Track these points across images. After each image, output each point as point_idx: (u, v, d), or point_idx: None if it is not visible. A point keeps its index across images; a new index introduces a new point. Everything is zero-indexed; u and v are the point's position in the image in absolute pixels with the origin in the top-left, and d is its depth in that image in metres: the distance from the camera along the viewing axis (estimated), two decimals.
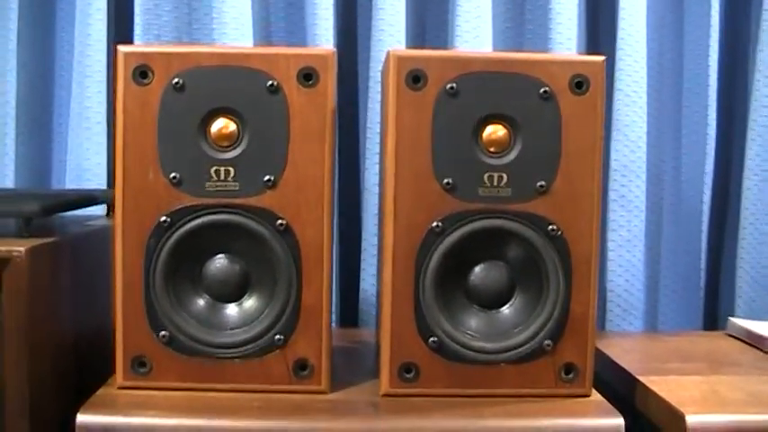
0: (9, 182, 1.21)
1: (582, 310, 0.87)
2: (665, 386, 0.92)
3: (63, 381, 0.89)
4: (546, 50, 1.24)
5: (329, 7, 1.23)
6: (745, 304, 1.28)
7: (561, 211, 0.87)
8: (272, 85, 0.85)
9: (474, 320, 0.89)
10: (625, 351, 1.09)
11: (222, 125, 0.85)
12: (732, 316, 1.26)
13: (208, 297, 0.88)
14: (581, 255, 0.87)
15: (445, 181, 0.86)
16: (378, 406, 0.85)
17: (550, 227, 0.86)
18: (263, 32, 1.27)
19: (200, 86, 0.85)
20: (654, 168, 1.31)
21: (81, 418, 0.80)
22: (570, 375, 0.88)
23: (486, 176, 0.86)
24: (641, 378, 0.95)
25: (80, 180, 1.22)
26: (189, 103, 0.85)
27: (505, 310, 0.89)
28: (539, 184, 0.86)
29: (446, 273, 0.87)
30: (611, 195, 1.26)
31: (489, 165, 0.86)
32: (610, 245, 1.27)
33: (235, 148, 0.86)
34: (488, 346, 0.87)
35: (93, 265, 0.99)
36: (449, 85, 0.85)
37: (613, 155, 1.26)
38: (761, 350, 1.08)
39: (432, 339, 0.86)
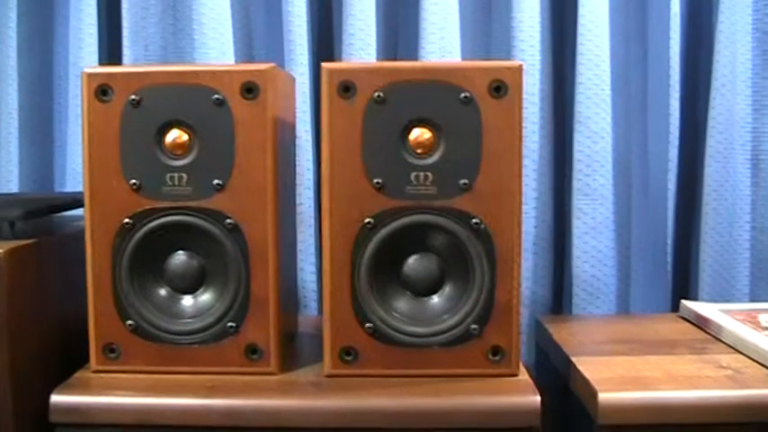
0: (14, 186, 1.33)
1: (506, 297, 0.95)
2: (592, 366, 0.99)
3: (47, 368, 1.00)
4: (511, 50, 1.31)
5: (302, 24, 1.32)
6: (708, 286, 1.33)
7: (484, 206, 0.94)
8: (217, 98, 0.94)
9: (407, 307, 0.97)
10: (572, 333, 1.16)
11: (175, 136, 0.95)
12: (697, 298, 1.32)
13: (169, 289, 0.99)
14: (504, 246, 0.95)
15: (375, 181, 0.94)
16: (320, 385, 0.95)
17: (474, 220, 0.94)
18: (245, 40, 1.37)
19: (154, 102, 0.95)
20: (621, 159, 1.37)
21: (54, 398, 0.91)
22: (497, 357, 0.96)
23: (413, 176, 0.94)
24: (573, 359, 1.02)
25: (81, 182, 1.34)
26: (145, 117, 0.95)
27: (436, 297, 0.97)
28: (462, 181, 0.94)
29: (380, 264, 0.95)
30: (576, 185, 1.33)
31: (415, 165, 0.94)
32: (575, 232, 1.33)
33: (187, 157, 0.95)
34: (420, 330, 0.96)
35: (76, 262, 1.09)
36: (377, 94, 0.93)
37: (576, 146, 1.32)
38: (706, 332, 1.14)
39: (368, 325, 0.95)
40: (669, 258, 1.38)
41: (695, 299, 1.32)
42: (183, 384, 0.94)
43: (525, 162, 1.33)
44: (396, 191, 0.94)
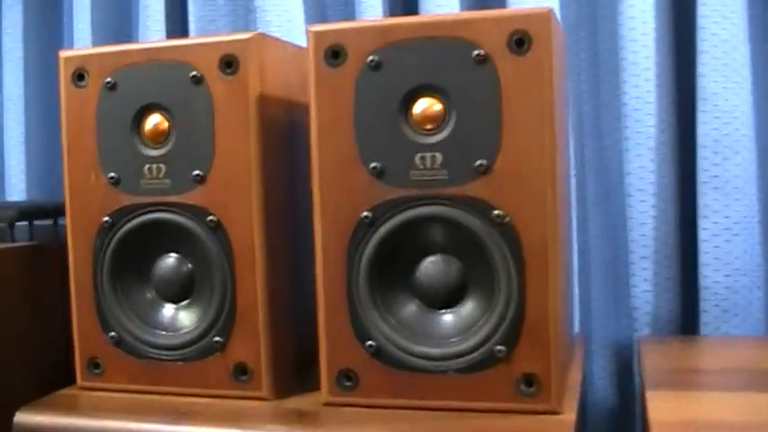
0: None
1: (539, 310, 0.74)
2: (668, 403, 0.75)
3: (35, 377, 0.91)
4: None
5: None
6: None
7: (506, 193, 0.74)
8: (194, 76, 0.81)
9: (418, 322, 0.78)
10: (671, 359, 0.91)
11: (153, 121, 0.83)
12: None
13: (155, 297, 0.86)
14: (534, 244, 0.73)
15: (372, 166, 0.76)
16: (310, 416, 0.78)
17: (495, 212, 0.74)
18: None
19: (130, 84, 0.83)
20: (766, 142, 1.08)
21: (17, 418, 0.81)
22: (531, 388, 0.74)
23: (417, 158, 0.76)
24: (648, 392, 0.78)
25: None
26: (121, 102, 0.84)
27: (455, 310, 0.78)
28: (478, 163, 0.74)
29: (384, 268, 0.77)
30: (701, 177, 1.06)
31: (420, 144, 0.76)
32: (702, 234, 1.07)
33: (165, 145, 0.83)
34: (433, 351, 0.77)
35: None
36: (370, 58, 0.76)
37: (701, 128, 1.06)
38: None
39: (369, 343, 0.78)
40: None
41: None
42: (155, 407, 0.81)
43: (640, 151, 1.09)
44: (397, 177, 0.76)
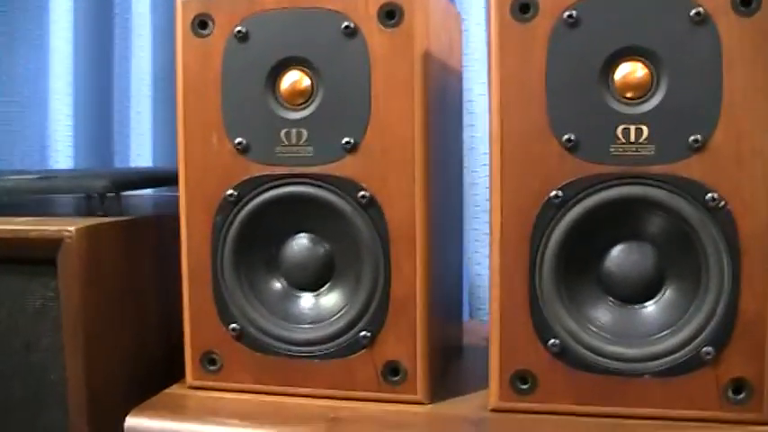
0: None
1: (756, 308, 0.65)
2: None
3: (137, 380, 0.79)
4: None
5: None
6: None
7: (724, 174, 0.65)
8: (347, 27, 0.70)
9: (608, 319, 0.69)
10: None
11: (292, 79, 0.72)
12: None
13: (285, 284, 0.75)
14: (753, 232, 0.65)
15: (566, 137, 0.66)
16: (483, 424, 0.68)
17: (709, 195, 0.65)
18: None
19: (265, 35, 0.72)
20: None
21: (129, 422, 0.69)
22: (740, 395, 0.66)
23: (620, 130, 0.66)
24: None
25: None
26: (254, 55, 0.72)
27: (651, 305, 0.69)
28: (692, 138, 0.65)
29: (571, 257, 0.68)
30: None
31: (624, 115, 0.66)
32: None
33: (308, 106, 0.72)
34: (627, 352, 0.67)
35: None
36: (567, 14, 0.66)
37: None
38: None
39: (552, 342, 0.68)
40: None
41: None
42: (298, 412, 0.70)
43: None
44: (595, 151, 0.66)
